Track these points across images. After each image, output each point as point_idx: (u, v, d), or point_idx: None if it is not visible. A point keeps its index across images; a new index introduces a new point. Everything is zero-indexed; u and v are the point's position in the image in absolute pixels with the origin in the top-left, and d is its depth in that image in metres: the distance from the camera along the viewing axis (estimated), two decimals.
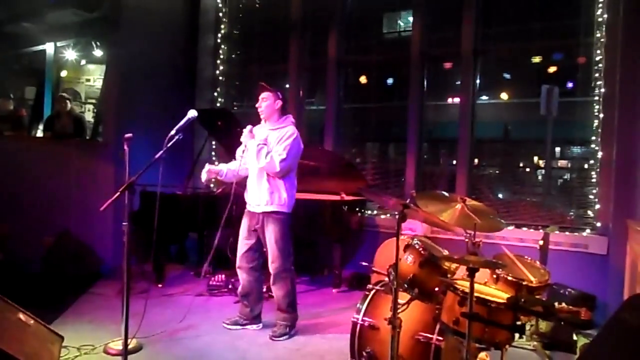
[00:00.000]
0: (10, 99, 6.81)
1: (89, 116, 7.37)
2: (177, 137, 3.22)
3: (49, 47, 7.43)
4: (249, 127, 3.67)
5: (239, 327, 3.80)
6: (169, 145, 3.16)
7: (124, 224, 2.95)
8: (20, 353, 2.53)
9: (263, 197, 3.61)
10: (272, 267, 3.65)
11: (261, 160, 3.52)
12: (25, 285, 4.26)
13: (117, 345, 3.16)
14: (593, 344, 2.35)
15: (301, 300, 4.57)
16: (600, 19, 4.59)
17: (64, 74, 7.65)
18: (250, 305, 3.80)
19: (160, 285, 4.75)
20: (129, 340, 2.93)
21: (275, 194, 3.59)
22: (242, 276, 3.76)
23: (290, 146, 3.55)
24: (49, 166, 5.41)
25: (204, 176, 3.72)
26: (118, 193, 2.83)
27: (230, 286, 4.64)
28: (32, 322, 2.86)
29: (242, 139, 3.65)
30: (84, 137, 6.35)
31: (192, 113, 3.42)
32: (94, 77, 7.59)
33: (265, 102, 3.63)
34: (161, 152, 3.10)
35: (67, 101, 6.33)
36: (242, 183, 3.83)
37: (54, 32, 7.10)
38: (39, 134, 6.89)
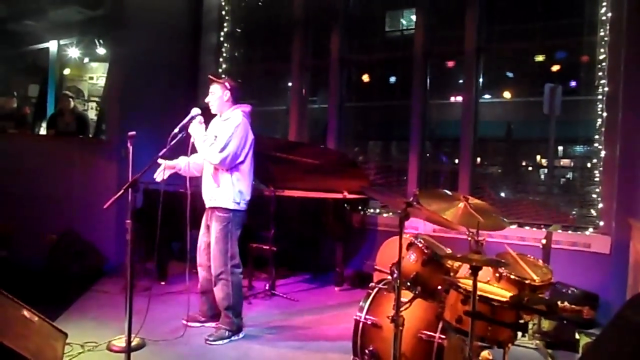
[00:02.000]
0: (14, 97, 6.83)
1: (92, 114, 7.38)
2: (180, 135, 3.23)
3: (52, 45, 7.45)
4: (199, 117, 3.41)
5: (197, 324, 3.72)
6: (172, 143, 3.17)
7: (127, 221, 2.96)
8: (25, 349, 2.54)
9: (210, 192, 3.48)
10: (212, 267, 3.51)
11: (204, 152, 3.37)
12: (29, 283, 4.29)
13: (121, 342, 3.18)
14: (596, 342, 2.35)
15: (304, 299, 4.60)
16: (604, 18, 4.57)
17: (67, 71, 7.66)
18: (208, 303, 3.69)
19: (163, 283, 4.77)
20: (132, 338, 2.94)
21: (220, 188, 3.43)
22: (201, 274, 3.66)
23: (230, 136, 3.34)
24: (52, 164, 5.43)
25: (159, 176, 3.47)
26: (122, 191, 2.83)
27: None
28: (36, 319, 2.88)
29: (190, 129, 3.37)
30: (87, 135, 6.36)
31: (195, 111, 3.43)
32: (97, 75, 7.61)
33: (214, 95, 3.48)
34: (164, 149, 3.11)
35: (70, 99, 6.34)
36: None
37: (57, 30, 7.12)
38: (42, 131, 6.92)
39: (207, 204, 3.54)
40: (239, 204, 3.48)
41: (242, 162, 3.48)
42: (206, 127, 3.49)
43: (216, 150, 3.33)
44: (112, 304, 4.11)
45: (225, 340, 3.48)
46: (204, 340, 3.46)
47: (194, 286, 4.37)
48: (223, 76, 3.62)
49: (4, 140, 5.87)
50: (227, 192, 3.43)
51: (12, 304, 2.83)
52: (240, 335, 3.58)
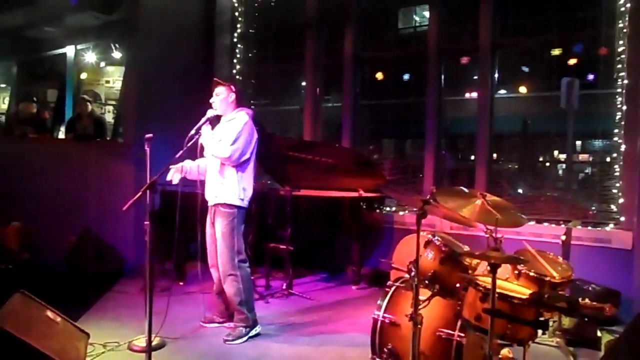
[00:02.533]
0: (34, 102, 6.95)
1: (109, 117, 7.48)
2: (196, 137, 3.26)
3: (69, 50, 7.57)
4: (209, 116, 3.50)
5: (215, 325, 3.74)
6: (189, 144, 3.19)
7: (145, 222, 2.99)
8: (49, 349, 2.59)
9: (215, 189, 3.53)
10: (219, 264, 3.56)
11: (213, 147, 3.42)
12: (51, 284, 4.35)
13: (141, 342, 3.21)
14: (620, 340, 2.31)
15: (321, 298, 4.61)
16: (622, 9, 4.49)
17: (84, 76, 7.78)
18: (225, 303, 3.71)
19: (181, 283, 4.82)
20: (152, 337, 2.98)
21: (225, 185, 3.48)
22: (215, 274, 3.68)
23: (240, 132, 3.43)
24: (71, 167, 5.52)
25: (175, 178, 3.53)
26: (140, 193, 2.87)
27: None
28: (59, 319, 2.93)
29: (201, 130, 3.45)
30: (105, 138, 6.45)
31: (211, 112, 3.45)
32: (114, 79, 7.70)
33: (219, 97, 3.56)
34: (181, 151, 3.14)
35: (88, 103, 6.44)
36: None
37: (74, 35, 7.24)
38: (61, 135, 7.03)
39: (211, 202, 3.58)
40: (242, 200, 3.53)
41: (248, 159, 3.56)
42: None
43: (227, 144, 3.40)
44: (132, 304, 4.17)
45: (244, 338, 3.50)
46: (223, 341, 3.48)
47: (209, 286, 4.41)
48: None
49: (25, 144, 5.99)
50: (232, 189, 3.49)
51: (36, 305, 2.89)
52: (257, 329, 3.61)
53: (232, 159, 3.43)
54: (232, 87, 3.61)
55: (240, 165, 3.51)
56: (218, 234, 3.53)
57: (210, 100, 3.60)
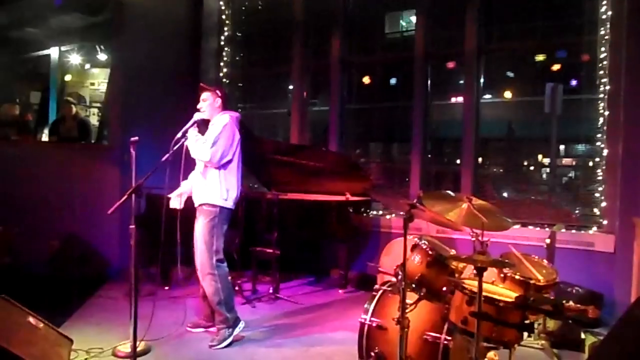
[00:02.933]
0: (17, 104, 6.85)
1: (94, 120, 7.40)
2: (182, 140, 3.24)
3: (53, 52, 7.48)
4: (196, 119, 3.55)
5: (201, 329, 3.73)
6: (175, 148, 3.17)
7: (130, 226, 2.96)
8: (30, 356, 2.55)
9: (199, 190, 3.57)
10: (197, 264, 3.54)
11: (195, 149, 3.45)
12: (33, 289, 4.28)
13: (126, 347, 3.17)
14: (605, 341, 2.34)
15: (307, 301, 4.60)
16: (604, 16, 4.57)
17: (68, 78, 7.69)
18: (211, 307, 3.67)
19: (166, 288, 4.77)
20: (137, 343, 2.94)
21: (207, 185, 3.52)
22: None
23: (219, 134, 3.46)
24: (55, 170, 5.44)
25: (177, 203, 3.63)
26: (125, 196, 2.84)
27: (236, 288, 4.65)
28: (41, 325, 2.88)
29: (188, 132, 3.50)
30: (89, 140, 6.38)
31: (198, 116, 3.44)
32: (99, 81, 7.63)
33: (206, 102, 3.60)
34: (167, 155, 3.11)
35: (72, 105, 6.37)
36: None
37: (58, 36, 7.15)
38: (45, 138, 6.93)
39: (196, 203, 3.59)
40: (226, 200, 3.53)
41: (230, 160, 3.57)
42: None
43: (207, 146, 3.42)
44: (116, 309, 4.11)
45: (228, 340, 3.49)
46: (209, 347, 3.45)
47: (198, 290, 4.38)
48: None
49: (7, 147, 5.89)
50: (214, 189, 3.50)
51: (18, 311, 2.84)
52: (241, 325, 3.60)
53: (212, 161, 3.46)
54: (218, 92, 3.64)
55: (222, 166, 3.53)
56: (197, 234, 3.53)
57: (198, 106, 3.62)
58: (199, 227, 3.52)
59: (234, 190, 3.59)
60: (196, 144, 3.45)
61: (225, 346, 3.46)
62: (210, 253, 3.50)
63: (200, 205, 3.54)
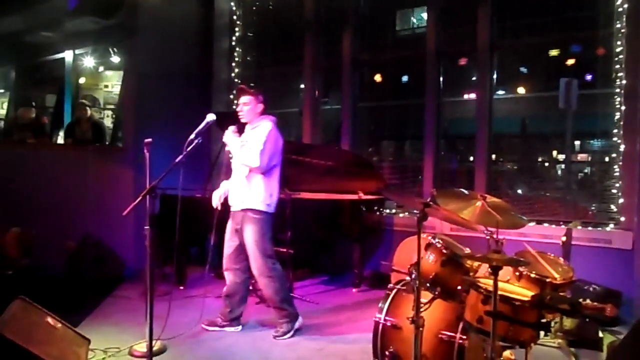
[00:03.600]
0: (32, 107, 6.95)
1: (108, 122, 7.48)
2: (196, 141, 3.25)
3: (67, 55, 7.56)
4: (231, 127, 3.64)
5: (217, 328, 3.77)
6: (188, 149, 3.19)
7: (145, 227, 2.99)
8: (49, 355, 2.59)
9: (241, 195, 3.59)
10: (253, 269, 3.63)
11: (242, 156, 3.51)
12: (51, 289, 4.34)
13: (142, 347, 3.20)
14: (623, 343, 2.30)
15: (321, 301, 4.60)
16: (620, 9, 4.50)
17: (82, 80, 7.77)
18: (231, 306, 3.76)
19: (181, 287, 4.81)
20: (153, 342, 2.97)
21: (253, 192, 3.55)
22: (229, 277, 3.75)
23: (266, 138, 3.51)
24: (71, 172, 5.52)
25: (216, 201, 3.72)
26: (140, 197, 2.87)
27: (251, 287, 4.67)
28: (59, 325, 2.92)
29: (224, 138, 3.63)
30: (104, 142, 6.44)
31: (211, 117, 3.45)
32: (112, 83, 7.70)
33: (247, 106, 3.62)
34: (181, 156, 3.13)
35: (87, 108, 6.44)
36: None
37: (72, 40, 7.23)
38: (60, 140, 7.02)
39: (236, 207, 3.63)
40: (269, 205, 3.61)
41: (275, 165, 3.63)
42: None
43: (256, 153, 3.44)
44: (132, 309, 4.16)
45: (291, 333, 3.64)
46: (273, 337, 3.61)
47: (213, 289, 4.42)
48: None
49: (24, 149, 5.98)
50: (258, 194, 3.56)
51: (36, 311, 2.88)
52: (300, 320, 3.73)
53: (262, 167, 3.51)
54: (260, 96, 3.67)
55: (267, 171, 3.58)
56: (249, 241, 3.58)
57: (237, 109, 3.69)
58: (249, 234, 3.58)
59: (275, 194, 3.66)
60: (242, 150, 3.52)
61: (289, 337, 3.62)
62: (265, 257, 3.58)
63: (244, 210, 3.59)
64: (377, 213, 5.28)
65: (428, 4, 5.70)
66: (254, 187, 3.55)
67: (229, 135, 3.61)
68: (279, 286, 3.64)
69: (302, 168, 5.03)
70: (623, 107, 4.45)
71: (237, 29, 6.81)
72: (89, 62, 7.62)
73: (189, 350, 3.43)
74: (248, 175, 3.57)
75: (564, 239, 3.73)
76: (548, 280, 2.62)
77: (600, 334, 3.54)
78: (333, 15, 6.20)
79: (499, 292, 2.24)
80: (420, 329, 2.46)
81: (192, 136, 3.30)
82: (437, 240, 2.79)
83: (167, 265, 4.86)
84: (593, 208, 4.85)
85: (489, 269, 2.25)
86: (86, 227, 5.23)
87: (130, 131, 5.87)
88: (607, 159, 4.74)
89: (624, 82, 4.45)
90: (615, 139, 4.56)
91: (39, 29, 7.02)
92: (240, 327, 3.80)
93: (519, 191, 5.58)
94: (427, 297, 2.68)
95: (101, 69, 7.78)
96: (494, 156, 5.44)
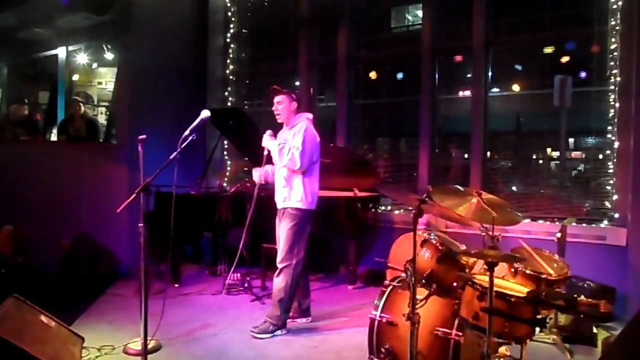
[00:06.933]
0: (25, 104, 6.88)
1: (101, 119, 7.42)
2: (191, 138, 3.23)
3: (60, 52, 7.49)
4: (268, 131, 3.74)
5: (268, 335, 3.74)
6: (183, 145, 3.17)
7: (140, 225, 2.97)
8: (43, 354, 2.57)
9: (282, 193, 3.69)
10: (277, 259, 3.70)
11: (283, 158, 3.58)
12: (45, 288, 4.32)
13: (137, 345, 3.19)
14: (618, 340, 2.31)
15: (317, 297, 4.60)
16: (614, 6, 4.51)
17: (76, 77, 7.71)
18: (297, 299, 3.85)
19: (176, 285, 4.79)
20: (148, 340, 2.95)
21: (291, 190, 3.64)
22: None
23: (303, 138, 3.57)
24: (64, 169, 5.47)
25: (257, 177, 3.84)
26: (134, 194, 2.84)
27: (246, 285, 4.67)
28: (53, 323, 2.90)
29: (263, 143, 3.71)
30: (98, 139, 6.40)
31: (205, 113, 3.42)
32: (106, 80, 7.64)
33: (281, 105, 3.68)
34: (176, 152, 3.10)
35: (80, 104, 6.38)
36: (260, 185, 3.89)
37: (66, 36, 7.16)
38: (54, 137, 6.96)
39: (280, 205, 3.72)
40: (311, 202, 3.67)
41: (314, 162, 3.69)
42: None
43: (296, 156, 3.53)
44: (127, 307, 4.14)
45: (268, 335, 3.60)
46: (250, 331, 3.58)
47: (208, 287, 4.40)
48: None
49: (17, 147, 5.94)
50: (299, 193, 3.63)
51: (30, 310, 2.86)
52: (284, 331, 3.68)
53: (302, 168, 3.59)
54: (293, 95, 3.70)
55: (307, 170, 3.64)
56: (282, 231, 3.66)
57: (273, 109, 3.72)
58: (284, 228, 3.66)
59: (316, 191, 3.73)
60: (282, 153, 3.57)
61: (262, 338, 3.56)
62: (292, 253, 3.63)
63: (285, 208, 3.67)
64: (373, 210, 5.27)
65: (423, 1, 5.70)
66: (294, 187, 3.64)
67: (267, 139, 3.69)
68: (289, 286, 3.64)
69: None
70: (617, 105, 4.47)
71: (231, 25, 6.77)
72: (82, 58, 7.56)
73: (184, 347, 3.42)
74: (288, 177, 3.64)
75: (558, 235, 3.75)
76: (543, 276, 2.63)
77: (595, 330, 3.56)
78: (328, 12, 6.18)
79: (495, 289, 2.24)
80: (416, 325, 2.47)
81: (187, 133, 3.26)
82: (433, 236, 2.79)
83: (161, 263, 4.83)
84: (587, 205, 4.87)
85: (485, 266, 2.25)
86: (80, 224, 5.20)
87: (124, 128, 5.83)
88: (601, 156, 4.76)
89: (618, 79, 4.46)
90: (609, 136, 4.58)
91: (31, 25, 6.94)
92: (310, 318, 3.91)
93: (514, 188, 5.59)
94: (422, 293, 2.68)
95: (95, 65, 7.71)
96: (488, 153, 5.45)
